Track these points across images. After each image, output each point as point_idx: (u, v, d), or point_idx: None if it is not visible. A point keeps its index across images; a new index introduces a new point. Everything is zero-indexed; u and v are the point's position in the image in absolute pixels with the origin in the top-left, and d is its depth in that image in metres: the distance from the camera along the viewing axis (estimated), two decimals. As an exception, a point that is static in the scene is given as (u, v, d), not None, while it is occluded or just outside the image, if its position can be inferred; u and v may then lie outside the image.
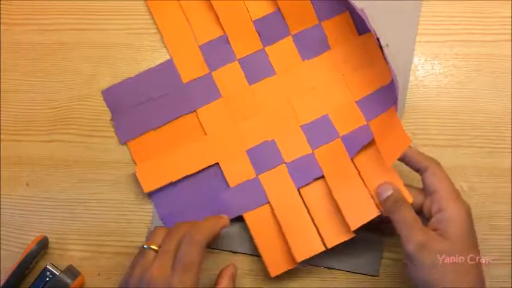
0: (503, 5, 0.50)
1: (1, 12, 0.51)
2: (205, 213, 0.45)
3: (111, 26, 0.51)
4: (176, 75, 0.50)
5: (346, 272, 0.49)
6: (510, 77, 0.50)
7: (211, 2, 0.49)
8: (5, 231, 0.49)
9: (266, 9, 0.49)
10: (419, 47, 0.50)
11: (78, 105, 0.50)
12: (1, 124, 0.50)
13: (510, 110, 0.49)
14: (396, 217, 0.42)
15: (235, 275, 0.45)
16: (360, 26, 0.48)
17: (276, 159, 0.48)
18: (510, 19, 0.50)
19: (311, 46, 0.49)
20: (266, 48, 0.49)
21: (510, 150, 0.49)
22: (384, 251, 0.49)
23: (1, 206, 0.49)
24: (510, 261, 0.48)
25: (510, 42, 0.50)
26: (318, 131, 0.48)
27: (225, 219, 0.45)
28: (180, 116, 0.49)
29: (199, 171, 0.49)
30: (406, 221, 0.41)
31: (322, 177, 0.47)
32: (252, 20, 0.49)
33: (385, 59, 0.45)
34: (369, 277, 0.49)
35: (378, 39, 0.44)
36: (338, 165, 0.47)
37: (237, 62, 0.49)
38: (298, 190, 0.48)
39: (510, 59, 0.50)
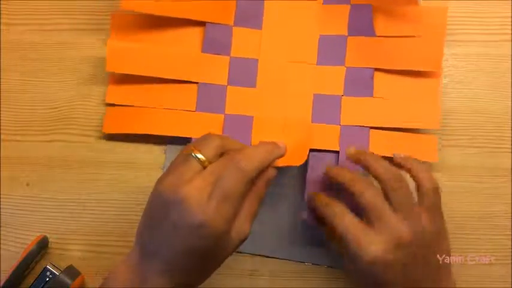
0: (503, 5, 0.50)
1: (1, 12, 0.51)
2: None
3: (111, 26, 0.51)
4: None
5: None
6: (510, 77, 0.50)
7: None
8: (5, 231, 0.49)
9: None
10: (419, 47, 0.50)
11: (78, 105, 0.50)
12: (1, 124, 0.50)
13: (510, 110, 0.49)
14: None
15: (272, 179, 0.39)
16: None
17: None
18: (510, 19, 0.50)
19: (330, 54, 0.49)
20: None
21: (510, 150, 0.49)
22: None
23: (1, 206, 0.49)
24: (510, 261, 0.48)
25: (510, 42, 0.50)
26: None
27: (282, 148, 0.38)
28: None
29: None
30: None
31: None
32: None
33: None
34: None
35: None
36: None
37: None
38: None
39: (510, 59, 0.50)
